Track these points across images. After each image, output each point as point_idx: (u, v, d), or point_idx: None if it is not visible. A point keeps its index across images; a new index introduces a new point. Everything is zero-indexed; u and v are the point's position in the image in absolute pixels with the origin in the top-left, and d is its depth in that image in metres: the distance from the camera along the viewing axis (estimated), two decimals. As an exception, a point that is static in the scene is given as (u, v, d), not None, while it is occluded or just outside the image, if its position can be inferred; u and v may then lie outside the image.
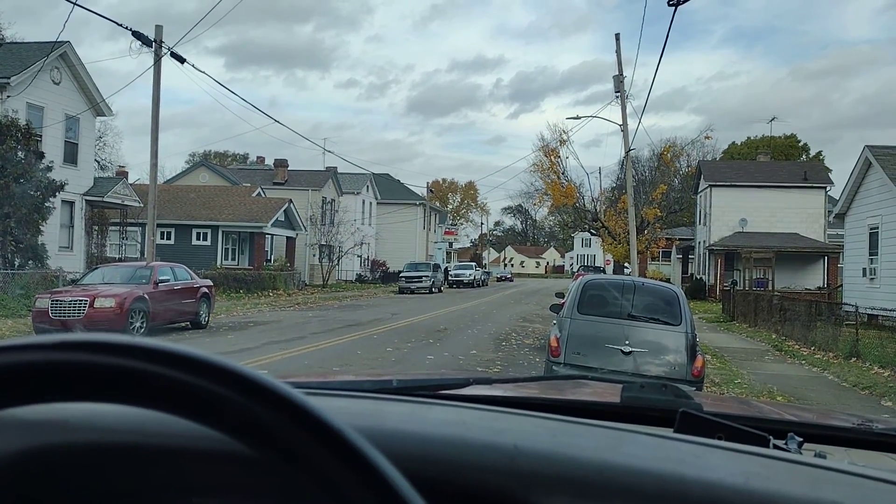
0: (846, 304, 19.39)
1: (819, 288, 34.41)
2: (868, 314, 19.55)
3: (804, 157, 64.52)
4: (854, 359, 14.18)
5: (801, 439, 1.28)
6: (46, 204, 22.28)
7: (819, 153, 69.18)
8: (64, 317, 14.53)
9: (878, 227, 22.92)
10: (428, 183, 66.22)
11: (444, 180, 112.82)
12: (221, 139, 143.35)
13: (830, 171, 44.81)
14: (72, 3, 14.74)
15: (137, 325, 15.24)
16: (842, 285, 28.40)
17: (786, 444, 1.24)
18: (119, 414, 0.86)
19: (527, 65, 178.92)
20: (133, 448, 0.90)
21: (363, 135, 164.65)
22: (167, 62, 20.23)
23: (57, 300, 14.89)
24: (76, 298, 14.83)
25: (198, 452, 0.87)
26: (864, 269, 23.88)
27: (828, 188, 39.14)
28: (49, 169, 22.26)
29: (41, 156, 22.33)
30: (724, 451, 0.96)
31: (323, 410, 0.60)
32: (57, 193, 22.71)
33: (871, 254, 23.47)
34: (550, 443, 0.92)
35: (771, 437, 1.20)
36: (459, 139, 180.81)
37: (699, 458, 0.91)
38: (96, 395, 0.62)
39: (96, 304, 14.69)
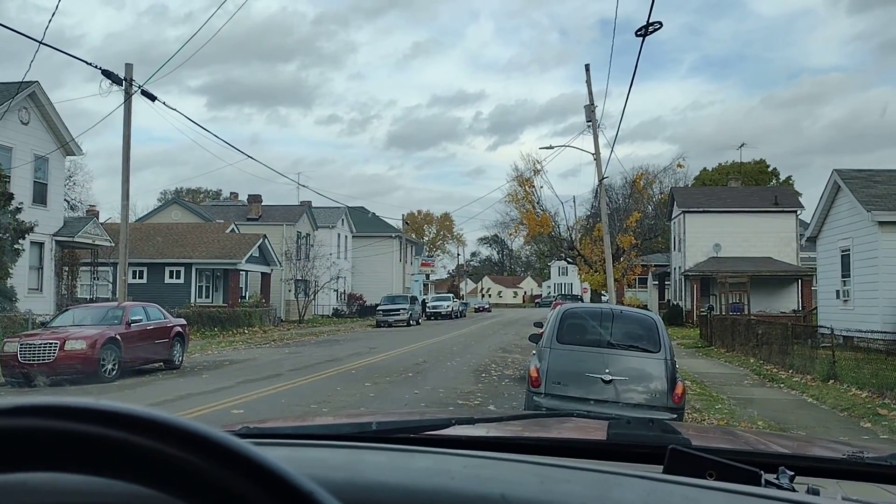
0: (821, 326, 19.60)
1: (794, 311, 34.79)
2: (843, 336, 19.75)
3: (774, 181, 65.67)
4: (832, 381, 14.28)
5: (792, 473, 1.26)
6: (15, 246, 21.92)
7: (789, 178, 70.41)
8: (34, 360, 14.22)
9: (849, 250, 23.28)
10: (403, 215, 66.31)
11: (419, 212, 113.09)
12: (197, 176, 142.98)
13: (801, 195, 45.70)
14: (38, 42, 14.67)
15: (109, 367, 14.94)
16: (816, 308, 28.73)
17: (778, 478, 1.22)
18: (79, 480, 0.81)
19: (506, 98, 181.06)
20: None
21: (343, 169, 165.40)
22: (142, 101, 20.17)
23: (26, 343, 14.57)
24: (46, 341, 14.52)
25: None
26: (838, 292, 24.19)
27: (798, 212, 39.83)
28: (18, 210, 21.94)
29: (10, 197, 22.02)
30: (718, 492, 0.93)
31: (280, 465, 0.56)
32: (26, 235, 22.37)
33: (843, 276, 23.80)
34: (539, 490, 0.88)
35: (762, 473, 1.17)
36: (439, 171, 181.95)
37: (693, 501, 0.88)
38: (26, 464, 0.57)
39: (67, 347, 14.39)
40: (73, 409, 0.57)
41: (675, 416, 7.83)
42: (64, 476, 0.85)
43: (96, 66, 19.07)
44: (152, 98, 19.83)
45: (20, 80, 23.30)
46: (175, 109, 20.58)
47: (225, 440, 0.57)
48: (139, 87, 19.89)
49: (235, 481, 0.56)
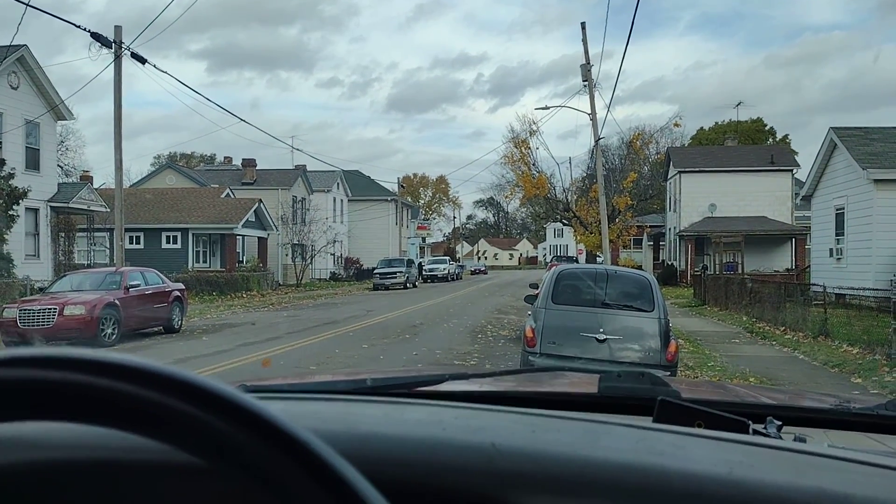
0: (814, 284, 19.70)
1: (788, 269, 34.93)
2: (836, 293, 19.89)
3: (770, 140, 65.37)
4: (823, 338, 14.42)
5: (780, 423, 1.28)
6: (10, 212, 21.83)
7: (785, 136, 70.12)
8: (33, 326, 14.25)
9: (843, 208, 23.30)
10: (399, 178, 66.06)
11: (415, 175, 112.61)
12: (194, 139, 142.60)
13: (797, 153, 45.58)
14: (25, 4, 14.43)
15: (109, 331, 15.00)
16: (810, 266, 28.86)
17: (765, 428, 1.24)
18: (76, 429, 0.82)
19: (508, 59, 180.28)
20: (93, 465, 0.86)
21: (343, 133, 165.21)
22: (139, 67, 19.91)
23: (25, 309, 14.59)
24: (45, 307, 14.55)
25: (163, 466, 0.84)
26: (832, 250, 24.27)
27: (794, 171, 39.75)
28: (11, 176, 21.80)
29: (2, 163, 21.87)
30: (705, 439, 0.95)
31: (274, 413, 0.57)
32: (20, 201, 22.26)
33: (837, 234, 23.86)
34: (529, 439, 0.90)
35: (750, 423, 1.19)
36: (439, 134, 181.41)
37: (680, 448, 0.89)
38: (34, 413, 0.58)
39: (66, 312, 14.42)
40: (66, 359, 0.58)
41: (668, 373, 7.91)
42: (58, 430, 0.86)
43: (85, 29, 18.83)
44: (143, 61, 19.61)
45: (8, 45, 23.02)
46: (165, 72, 20.45)
47: (218, 388, 0.58)
48: (127, 48, 19.64)
49: (230, 430, 0.57)
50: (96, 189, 32.32)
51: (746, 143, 54.81)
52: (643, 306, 8.55)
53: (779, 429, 1.25)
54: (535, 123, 42.48)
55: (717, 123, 69.80)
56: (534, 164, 43.19)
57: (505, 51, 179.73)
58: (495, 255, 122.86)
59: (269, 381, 1.95)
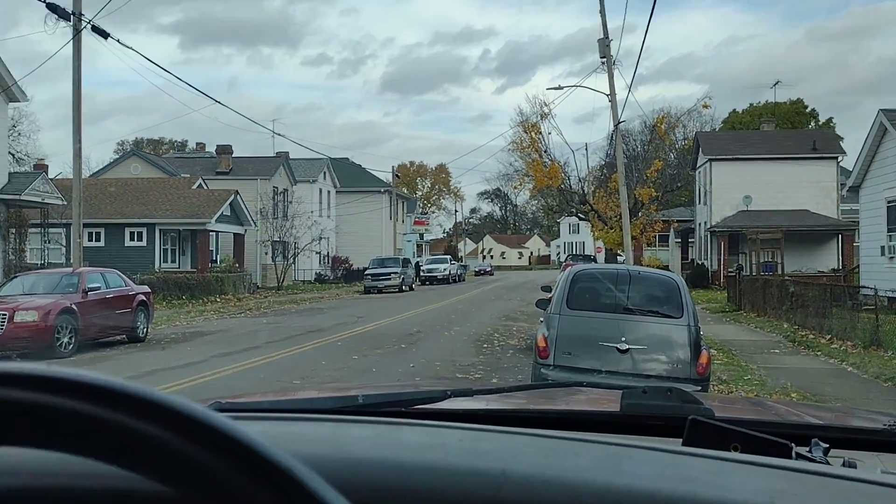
0: (864, 286, 19.71)
1: (833, 270, 34.93)
2: (889, 297, 19.87)
3: (812, 124, 65.44)
4: (875, 347, 14.42)
5: (827, 445, 1.28)
6: (-46, 205, 21.87)
7: (829, 120, 70.12)
8: (-21, 334, 14.26)
9: (896, 200, 23.31)
10: (394, 167, 66.05)
11: (412, 163, 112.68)
12: (162, 123, 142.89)
13: (843, 139, 45.51)
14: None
15: (65, 340, 15.01)
16: (858, 266, 28.86)
17: (810, 451, 1.24)
18: (34, 454, 0.82)
19: (518, 34, 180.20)
20: (55, 493, 0.86)
21: (332, 116, 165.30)
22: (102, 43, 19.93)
23: (-30, 316, 14.60)
24: (-7, 313, 14.56)
25: (130, 495, 0.84)
26: (883, 248, 24.26)
27: (840, 158, 39.73)
28: (-45, 165, 21.83)
29: (-55, 150, 21.91)
30: (742, 464, 0.94)
31: (250, 435, 0.57)
32: (-35, 193, 22.29)
33: (889, 230, 23.85)
34: (543, 465, 0.90)
35: (793, 445, 1.19)
36: (440, 117, 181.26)
37: (715, 475, 0.89)
38: None
39: (17, 319, 14.43)
40: (15, 375, 0.57)
41: (699, 388, 7.91)
42: (14, 455, 0.86)
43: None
44: (105, 35, 19.63)
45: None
46: (130, 48, 20.38)
47: (188, 408, 0.58)
48: (88, 22, 19.65)
49: (203, 456, 0.57)
50: (52, 179, 32.35)
51: (785, 128, 54.83)
52: (670, 312, 8.54)
53: (825, 452, 1.25)
54: (547, 105, 42.25)
55: (751, 105, 69.81)
56: (546, 151, 43.19)
57: (515, 24, 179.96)
58: (502, 253, 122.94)
59: (246, 398, 1.95)
